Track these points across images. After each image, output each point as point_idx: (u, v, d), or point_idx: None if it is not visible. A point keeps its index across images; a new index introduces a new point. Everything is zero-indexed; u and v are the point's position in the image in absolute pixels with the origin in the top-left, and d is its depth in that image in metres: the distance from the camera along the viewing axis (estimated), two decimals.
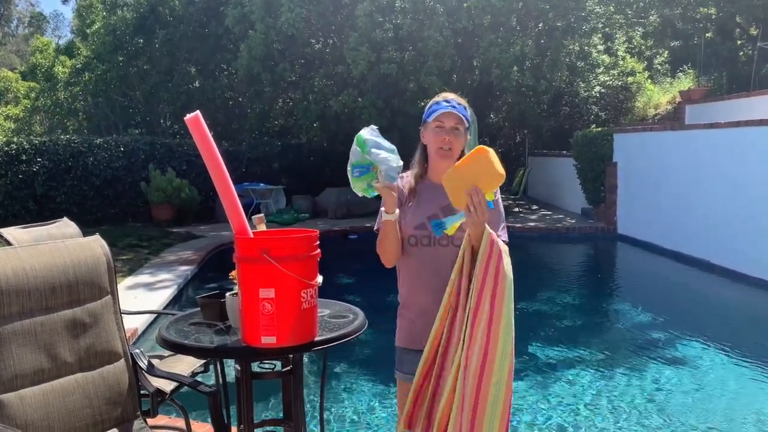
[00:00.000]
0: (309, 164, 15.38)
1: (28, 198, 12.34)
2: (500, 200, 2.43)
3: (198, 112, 2.26)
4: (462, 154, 2.38)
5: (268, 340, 2.11)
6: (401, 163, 2.17)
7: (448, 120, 2.30)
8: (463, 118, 2.30)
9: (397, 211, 2.26)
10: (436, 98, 2.38)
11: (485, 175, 2.09)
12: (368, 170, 2.16)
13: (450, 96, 2.36)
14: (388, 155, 2.14)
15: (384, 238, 2.31)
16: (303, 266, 2.13)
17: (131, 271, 8.05)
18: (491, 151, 2.09)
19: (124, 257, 8.95)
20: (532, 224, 12.30)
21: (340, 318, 2.49)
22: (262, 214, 2.56)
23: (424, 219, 2.33)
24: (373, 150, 2.13)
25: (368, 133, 2.17)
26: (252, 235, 2.24)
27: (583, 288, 8.70)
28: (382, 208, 2.26)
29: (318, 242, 2.23)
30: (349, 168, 2.20)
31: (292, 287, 2.10)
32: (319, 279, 2.22)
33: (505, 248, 2.17)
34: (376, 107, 12.86)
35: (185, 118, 2.25)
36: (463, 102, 2.36)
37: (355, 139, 2.17)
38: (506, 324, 2.06)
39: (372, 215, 13.48)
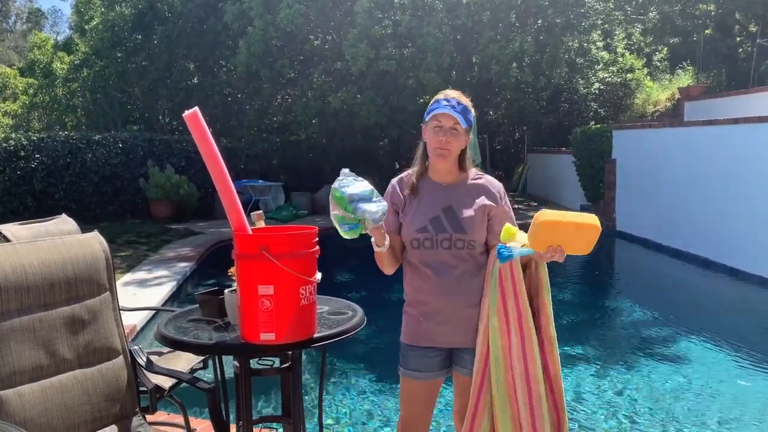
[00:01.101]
0: (308, 161, 15.36)
1: (26, 194, 12.31)
2: (508, 201, 2.44)
3: (196, 108, 2.25)
4: (463, 154, 2.38)
5: (267, 337, 2.11)
6: (385, 203, 2.16)
7: (446, 120, 2.28)
8: (461, 119, 2.28)
9: (387, 242, 2.26)
10: (439, 95, 2.35)
11: (580, 244, 2.11)
12: (356, 226, 2.17)
13: (452, 95, 2.33)
14: (370, 207, 2.12)
15: (380, 261, 2.38)
16: (302, 263, 2.13)
17: (130, 268, 8.05)
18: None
19: (122, 254, 8.94)
20: (530, 221, 12.28)
21: (339, 314, 2.49)
22: (261, 211, 2.56)
23: (426, 222, 2.34)
24: (358, 207, 2.11)
25: (346, 187, 2.14)
26: (251, 232, 2.24)
27: (581, 284, 8.70)
28: (373, 239, 2.27)
29: (317, 239, 2.23)
30: (333, 219, 2.18)
31: (291, 284, 2.10)
32: (318, 276, 2.22)
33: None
34: (375, 104, 12.85)
35: (184, 115, 2.24)
36: (465, 101, 2.33)
37: (331, 194, 2.14)
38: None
39: None
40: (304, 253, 2.15)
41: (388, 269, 2.40)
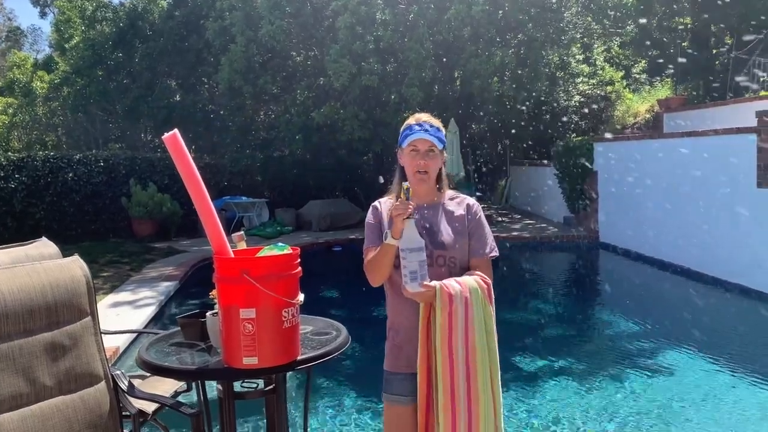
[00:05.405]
0: (292, 177, 15.34)
1: (6, 215, 12.17)
2: (483, 217, 2.45)
3: (176, 130, 2.24)
4: (440, 173, 2.41)
5: (250, 362, 2.09)
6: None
7: (422, 144, 2.33)
8: (437, 141, 2.33)
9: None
10: (410, 120, 2.40)
11: None
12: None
13: (423, 118, 2.38)
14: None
15: (380, 260, 2.28)
16: (284, 285, 2.12)
17: (113, 288, 7.97)
18: None
19: (105, 274, 8.85)
20: (515, 233, 12.35)
21: (323, 335, 2.48)
22: (242, 232, 2.54)
23: None
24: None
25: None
26: (232, 255, 2.23)
27: (565, 296, 8.74)
28: (388, 230, 2.24)
29: (299, 260, 2.22)
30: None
31: (274, 307, 2.09)
32: (301, 297, 2.21)
33: (474, 285, 2.24)
34: (359, 119, 12.88)
35: (163, 137, 2.24)
36: (436, 122, 2.39)
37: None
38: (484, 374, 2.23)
39: (355, 227, 13.47)
40: (286, 275, 2.14)
41: (381, 276, 2.33)
